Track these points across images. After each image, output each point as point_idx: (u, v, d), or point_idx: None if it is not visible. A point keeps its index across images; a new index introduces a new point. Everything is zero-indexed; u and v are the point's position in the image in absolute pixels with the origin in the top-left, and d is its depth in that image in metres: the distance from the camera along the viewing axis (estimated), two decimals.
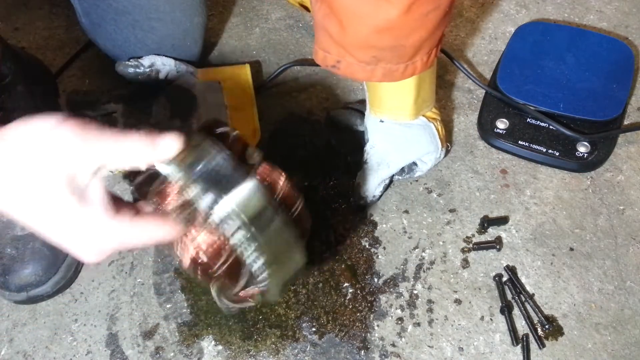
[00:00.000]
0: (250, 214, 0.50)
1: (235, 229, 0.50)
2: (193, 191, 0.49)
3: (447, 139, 0.87)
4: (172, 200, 0.51)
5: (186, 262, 0.53)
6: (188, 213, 0.50)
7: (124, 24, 0.87)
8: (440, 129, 0.83)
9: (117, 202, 0.49)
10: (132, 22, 0.87)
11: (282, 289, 0.58)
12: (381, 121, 0.81)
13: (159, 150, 0.48)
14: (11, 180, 0.44)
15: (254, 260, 0.52)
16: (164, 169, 0.49)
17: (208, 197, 0.49)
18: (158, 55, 0.91)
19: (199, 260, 0.52)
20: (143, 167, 0.49)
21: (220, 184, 0.49)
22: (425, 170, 0.85)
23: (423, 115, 0.81)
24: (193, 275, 0.54)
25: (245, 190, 0.50)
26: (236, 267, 0.53)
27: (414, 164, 0.85)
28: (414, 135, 0.81)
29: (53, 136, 0.44)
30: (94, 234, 0.47)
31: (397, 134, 0.81)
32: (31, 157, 0.44)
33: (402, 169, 0.85)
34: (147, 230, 0.49)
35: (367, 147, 0.83)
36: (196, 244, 0.51)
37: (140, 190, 0.54)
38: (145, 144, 0.47)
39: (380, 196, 0.85)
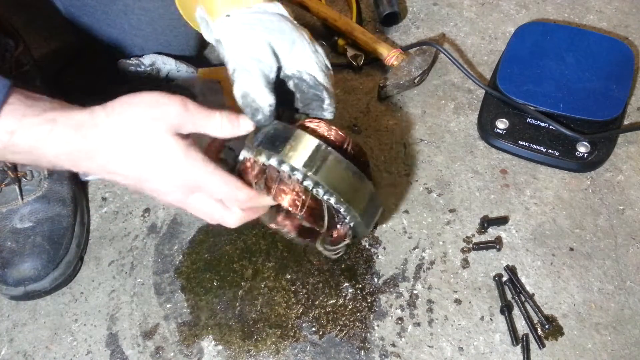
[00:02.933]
0: (306, 159, 0.59)
1: (302, 176, 0.59)
2: (261, 159, 0.61)
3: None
4: (250, 172, 0.62)
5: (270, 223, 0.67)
6: (265, 177, 0.61)
7: (116, 14, 0.87)
8: (299, 24, 0.69)
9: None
10: (122, 8, 0.86)
11: (366, 221, 0.65)
12: (228, 16, 0.65)
13: (240, 128, 0.61)
14: (125, 139, 0.54)
15: (326, 196, 0.60)
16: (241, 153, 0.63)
17: (273, 159, 0.60)
18: (159, 54, 0.91)
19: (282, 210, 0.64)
20: (225, 137, 0.61)
21: (277, 145, 0.60)
22: (309, 71, 0.66)
23: (279, 3, 0.68)
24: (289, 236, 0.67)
25: (294, 141, 0.60)
26: (316, 208, 0.62)
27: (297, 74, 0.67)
28: (271, 20, 0.65)
29: (162, 106, 0.55)
30: (195, 174, 0.57)
31: (256, 24, 0.64)
32: (142, 120, 0.54)
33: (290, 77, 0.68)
34: (235, 185, 0.59)
35: (229, 54, 0.64)
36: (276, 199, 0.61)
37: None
38: (229, 122, 0.60)
39: (278, 113, 0.67)
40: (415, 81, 0.98)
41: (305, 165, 0.59)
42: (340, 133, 0.66)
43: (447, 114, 0.96)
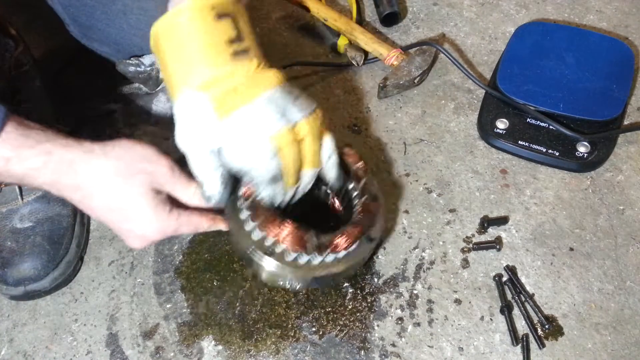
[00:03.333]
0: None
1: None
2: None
3: None
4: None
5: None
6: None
7: (115, 14, 0.87)
8: None
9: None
10: (122, 8, 0.86)
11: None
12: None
13: (204, 202, 0.65)
14: (110, 182, 0.59)
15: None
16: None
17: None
18: None
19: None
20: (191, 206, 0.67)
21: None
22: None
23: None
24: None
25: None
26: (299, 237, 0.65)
27: None
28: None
29: (153, 163, 0.61)
30: (160, 222, 0.62)
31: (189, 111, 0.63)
32: (131, 169, 0.59)
33: None
34: (196, 223, 0.66)
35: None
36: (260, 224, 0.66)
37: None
38: (200, 195, 0.65)
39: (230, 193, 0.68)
40: (415, 81, 0.98)
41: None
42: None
43: (447, 114, 0.96)
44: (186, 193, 0.64)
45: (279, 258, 0.66)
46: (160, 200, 0.62)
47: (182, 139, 0.62)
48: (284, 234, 0.64)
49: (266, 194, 0.65)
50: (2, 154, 0.54)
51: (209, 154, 0.62)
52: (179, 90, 0.61)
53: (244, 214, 0.67)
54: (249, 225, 0.67)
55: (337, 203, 0.77)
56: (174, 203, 0.65)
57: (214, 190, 0.64)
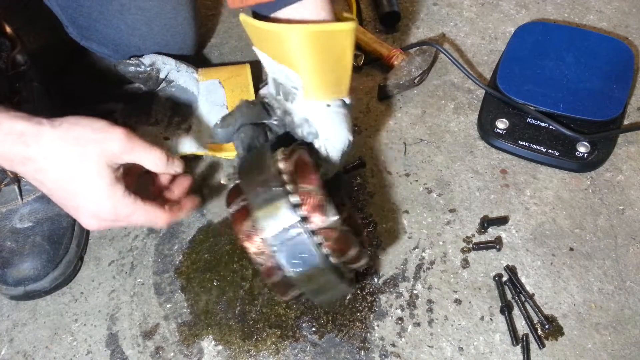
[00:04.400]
0: (275, 232, 0.57)
1: (266, 238, 0.58)
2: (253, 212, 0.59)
3: None
4: (234, 204, 0.62)
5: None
6: (240, 206, 0.61)
7: (112, 14, 0.87)
8: None
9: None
10: (119, 8, 0.86)
11: (318, 299, 0.64)
12: (328, 105, 0.69)
13: (170, 166, 0.65)
14: (61, 155, 0.58)
15: (280, 263, 0.58)
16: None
17: (254, 201, 0.58)
18: (159, 54, 0.91)
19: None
20: (157, 172, 0.66)
21: (261, 202, 0.58)
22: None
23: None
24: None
25: (277, 210, 0.57)
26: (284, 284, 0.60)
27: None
28: (348, 114, 0.71)
29: (106, 133, 0.59)
30: (112, 204, 0.61)
31: (343, 117, 0.70)
32: (83, 142, 0.58)
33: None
34: (149, 213, 0.64)
35: (321, 141, 0.69)
36: (241, 230, 0.60)
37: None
38: (165, 160, 0.64)
39: None
40: (415, 81, 0.98)
41: (272, 235, 0.58)
42: (341, 235, 0.60)
43: (447, 114, 0.96)
44: (150, 157, 0.63)
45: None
46: (114, 177, 0.61)
47: (323, 135, 0.68)
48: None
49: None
50: None
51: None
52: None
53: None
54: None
55: None
56: (133, 189, 0.64)
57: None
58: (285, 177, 0.58)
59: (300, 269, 0.58)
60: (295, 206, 0.57)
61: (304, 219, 0.57)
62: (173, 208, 0.68)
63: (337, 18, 0.68)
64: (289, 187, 0.57)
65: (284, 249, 0.57)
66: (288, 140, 0.68)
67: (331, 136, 0.69)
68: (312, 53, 0.63)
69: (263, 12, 0.67)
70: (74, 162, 0.58)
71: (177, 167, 0.67)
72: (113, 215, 0.62)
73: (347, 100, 0.71)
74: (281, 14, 0.66)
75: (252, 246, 0.59)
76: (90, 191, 0.60)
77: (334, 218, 0.57)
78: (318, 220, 0.57)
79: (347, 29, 0.63)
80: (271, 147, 0.63)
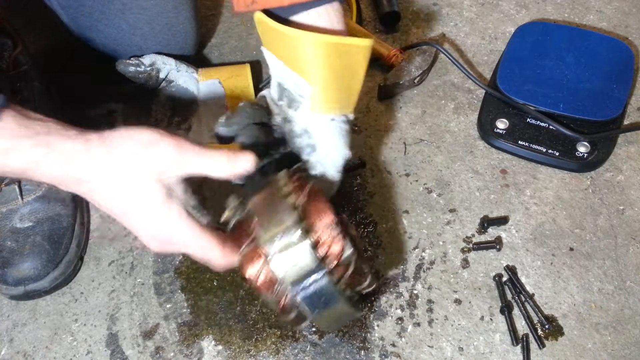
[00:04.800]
0: (295, 277, 0.56)
1: (285, 284, 0.56)
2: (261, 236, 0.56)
3: None
4: (245, 233, 0.58)
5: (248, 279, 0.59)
6: (251, 249, 0.58)
7: (114, 13, 0.87)
8: None
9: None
10: (120, 7, 0.86)
11: (327, 327, 0.64)
12: (332, 119, 0.68)
13: (238, 165, 0.57)
14: (111, 174, 0.54)
15: (300, 306, 0.57)
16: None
17: (270, 248, 0.56)
18: (159, 54, 0.91)
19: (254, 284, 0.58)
20: (222, 177, 0.58)
21: (276, 235, 0.55)
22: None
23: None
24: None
25: (296, 255, 0.55)
26: (287, 305, 0.58)
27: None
28: (349, 130, 0.71)
29: (154, 147, 0.54)
30: (169, 228, 0.56)
31: (345, 133, 0.69)
32: (131, 158, 0.54)
33: None
34: (205, 247, 0.58)
35: (319, 156, 0.69)
36: (253, 275, 0.57)
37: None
38: (227, 160, 0.56)
39: None
40: (415, 81, 0.98)
41: (293, 284, 0.56)
42: (352, 263, 0.58)
43: (447, 114, 0.96)
44: (209, 164, 0.56)
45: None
46: (166, 195, 0.55)
47: (323, 152, 0.68)
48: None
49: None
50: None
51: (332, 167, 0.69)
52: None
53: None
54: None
55: None
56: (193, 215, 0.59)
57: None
58: (299, 212, 0.56)
59: (321, 310, 0.57)
60: (314, 247, 0.56)
61: (323, 259, 0.56)
62: (234, 249, 0.60)
63: (350, 32, 0.67)
64: (304, 226, 0.56)
65: (304, 294, 0.57)
66: (288, 156, 0.67)
67: (331, 152, 0.68)
68: (327, 64, 0.62)
69: (277, 12, 0.65)
70: (124, 181, 0.55)
71: (244, 164, 0.57)
72: (167, 239, 0.58)
73: (351, 116, 0.70)
74: (295, 18, 0.64)
75: (269, 293, 0.58)
76: (143, 212, 0.56)
77: (349, 252, 0.57)
78: (335, 259, 0.57)
79: (365, 45, 0.63)
80: (272, 165, 0.62)
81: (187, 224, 0.57)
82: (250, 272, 0.57)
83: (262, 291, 0.58)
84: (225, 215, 0.60)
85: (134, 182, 0.54)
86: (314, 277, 0.56)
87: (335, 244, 0.57)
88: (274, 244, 0.55)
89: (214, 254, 0.59)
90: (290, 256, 0.55)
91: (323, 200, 0.59)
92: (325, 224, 0.57)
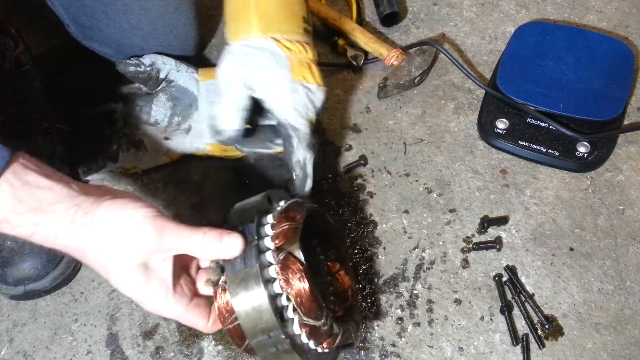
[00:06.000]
0: (257, 333, 0.56)
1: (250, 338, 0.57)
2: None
3: (323, 81, 0.76)
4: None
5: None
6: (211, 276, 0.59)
7: (116, 14, 0.87)
8: (299, 64, 0.73)
9: (181, 278, 0.60)
10: (122, 8, 0.86)
11: None
12: (227, 45, 0.73)
13: (222, 250, 0.57)
14: (93, 257, 0.55)
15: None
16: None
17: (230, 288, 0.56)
18: (159, 54, 0.91)
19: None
20: (208, 259, 0.59)
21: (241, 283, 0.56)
22: (279, 108, 0.72)
23: (276, 42, 0.72)
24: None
25: (260, 315, 0.55)
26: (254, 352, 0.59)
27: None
28: (255, 55, 0.71)
29: (135, 232, 0.54)
30: (155, 305, 0.58)
31: (240, 56, 0.72)
32: (112, 245, 0.54)
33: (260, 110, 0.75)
34: (192, 319, 0.60)
35: (216, 72, 0.74)
36: (223, 323, 0.58)
37: None
38: (212, 243, 0.56)
39: (246, 135, 0.75)
40: (415, 81, 0.98)
41: (251, 336, 0.56)
42: (306, 300, 0.57)
43: (447, 114, 0.96)
44: (193, 245, 0.57)
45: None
46: (147, 278, 0.56)
47: (216, 76, 0.70)
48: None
49: (300, 157, 0.70)
50: None
51: (241, 84, 0.69)
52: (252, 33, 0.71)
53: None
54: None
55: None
56: (183, 287, 0.60)
57: (229, 124, 0.70)
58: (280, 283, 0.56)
59: None
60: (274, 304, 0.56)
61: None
62: (218, 316, 0.60)
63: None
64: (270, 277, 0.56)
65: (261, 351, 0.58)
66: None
67: (221, 69, 0.72)
68: None
69: None
70: (106, 262, 0.55)
71: (230, 247, 0.57)
72: (157, 313, 0.59)
73: (259, 47, 0.72)
74: None
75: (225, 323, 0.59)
76: (128, 291, 0.57)
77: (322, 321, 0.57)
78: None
79: None
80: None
81: (171, 302, 0.58)
82: (224, 320, 0.58)
83: (233, 339, 0.59)
84: (205, 283, 0.60)
85: (114, 265, 0.55)
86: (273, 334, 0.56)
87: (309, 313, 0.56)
88: (243, 306, 0.56)
89: (200, 325, 0.61)
90: (255, 316, 0.56)
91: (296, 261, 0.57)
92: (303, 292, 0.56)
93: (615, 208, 0.85)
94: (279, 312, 0.56)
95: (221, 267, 0.58)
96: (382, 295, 0.78)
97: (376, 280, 0.79)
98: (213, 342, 0.75)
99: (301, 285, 0.56)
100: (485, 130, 0.92)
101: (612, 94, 0.90)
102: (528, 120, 0.91)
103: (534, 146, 0.89)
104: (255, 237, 0.57)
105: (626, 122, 0.94)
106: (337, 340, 0.60)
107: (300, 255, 0.57)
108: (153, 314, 0.61)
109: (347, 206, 0.86)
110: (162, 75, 0.90)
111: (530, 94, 0.91)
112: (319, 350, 0.60)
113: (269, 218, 0.59)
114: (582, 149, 0.88)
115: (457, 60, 0.97)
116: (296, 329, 0.57)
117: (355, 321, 0.66)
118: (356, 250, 0.81)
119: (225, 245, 0.56)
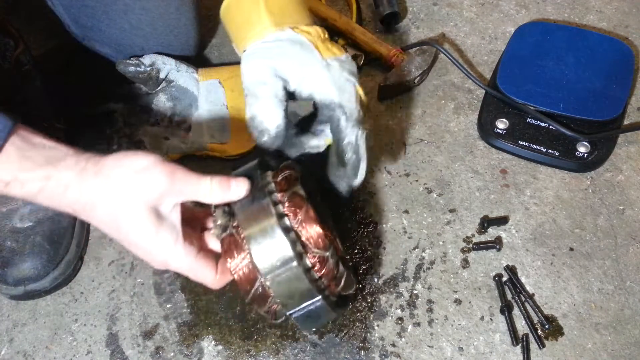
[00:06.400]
0: (272, 266, 0.56)
1: (264, 273, 0.57)
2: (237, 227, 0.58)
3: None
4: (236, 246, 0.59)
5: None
6: (217, 220, 0.59)
7: (116, 14, 0.87)
8: (322, 43, 0.69)
9: (189, 232, 0.60)
10: (123, 8, 0.86)
11: (302, 321, 0.62)
12: (244, 51, 0.70)
13: (230, 193, 0.58)
14: (104, 204, 0.55)
15: (275, 300, 0.59)
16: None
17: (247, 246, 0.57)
18: (159, 54, 0.91)
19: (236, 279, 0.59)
20: (215, 203, 0.59)
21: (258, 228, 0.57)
22: (320, 89, 0.67)
23: (293, 30, 0.68)
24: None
25: (274, 246, 0.56)
26: (264, 297, 0.59)
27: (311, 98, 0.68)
28: (278, 46, 0.67)
29: (146, 174, 0.55)
30: (164, 254, 0.58)
31: (262, 52, 0.68)
32: (123, 187, 0.55)
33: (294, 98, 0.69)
34: (201, 271, 0.60)
35: (243, 84, 0.69)
36: (234, 268, 0.59)
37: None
38: (220, 187, 0.58)
39: (293, 133, 0.70)
40: (415, 81, 0.98)
41: (266, 270, 0.57)
42: (322, 241, 0.59)
43: (447, 114, 0.96)
44: (201, 190, 0.58)
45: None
46: (158, 222, 0.56)
47: (244, 82, 0.67)
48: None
49: (352, 137, 0.66)
50: (1, 177, 0.53)
51: (273, 76, 0.65)
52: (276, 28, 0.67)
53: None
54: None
55: None
56: (192, 239, 0.60)
57: (271, 122, 0.64)
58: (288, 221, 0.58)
59: (311, 326, 0.61)
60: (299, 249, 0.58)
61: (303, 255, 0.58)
62: (225, 270, 0.62)
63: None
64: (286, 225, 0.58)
65: (298, 314, 0.59)
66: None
67: (246, 73, 0.68)
68: None
69: None
70: (117, 210, 0.55)
71: (237, 190, 0.59)
72: (163, 263, 0.59)
73: (278, 38, 0.68)
74: None
75: (248, 288, 0.59)
76: (137, 239, 0.57)
77: (332, 257, 0.59)
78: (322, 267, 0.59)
79: None
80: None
81: (181, 251, 0.58)
82: (232, 264, 0.58)
83: (241, 286, 0.59)
84: (213, 232, 0.61)
85: (126, 210, 0.55)
86: (308, 302, 0.59)
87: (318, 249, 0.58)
88: (257, 240, 0.57)
89: (209, 277, 0.61)
90: (269, 248, 0.57)
91: (301, 197, 0.59)
92: (314, 232, 0.58)
93: (615, 208, 0.85)
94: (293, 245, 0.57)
95: (229, 212, 0.59)
96: (382, 295, 0.78)
97: (376, 280, 0.79)
98: (213, 342, 0.75)
99: (308, 217, 0.58)
100: (485, 130, 0.92)
101: (612, 94, 0.90)
102: (528, 120, 0.91)
103: (534, 146, 0.89)
104: (260, 179, 0.59)
105: (626, 122, 0.94)
106: (341, 284, 0.61)
107: (303, 193, 0.59)
108: (161, 270, 0.62)
109: (347, 206, 0.86)
110: (162, 75, 0.90)
111: (530, 94, 0.91)
112: (326, 293, 0.61)
113: (269, 172, 0.62)
114: (582, 149, 0.88)
115: (457, 60, 0.97)
116: (307, 263, 0.58)
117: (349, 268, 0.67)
118: (356, 250, 0.81)
119: (233, 187, 0.58)
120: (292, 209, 0.58)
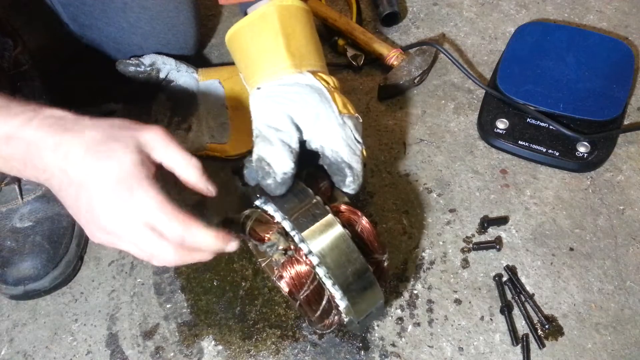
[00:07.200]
0: (331, 255, 0.58)
1: (317, 263, 0.59)
2: (287, 227, 0.60)
3: (356, 111, 0.71)
4: (269, 230, 0.60)
5: (283, 288, 0.61)
6: (278, 245, 0.60)
7: (115, 12, 0.87)
8: (338, 96, 0.69)
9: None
10: (121, 6, 0.86)
11: (362, 325, 0.65)
12: (258, 88, 0.68)
13: (202, 180, 0.59)
14: (88, 140, 0.52)
15: (336, 293, 0.60)
16: (269, 209, 0.62)
17: (298, 235, 0.59)
18: (159, 53, 0.91)
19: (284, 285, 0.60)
20: (185, 180, 0.58)
21: (304, 222, 0.59)
22: (332, 146, 0.66)
23: (313, 75, 0.68)
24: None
25: (329, 234, 0.59)
26: (318, 294, 0.61)
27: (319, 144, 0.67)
28: (297, 92, 0.66)
29: (144, 124, 0.54)
30: (140, 206, 0.51)
31: (280, 97, 0.66)
32: (117, 129, 0.53)
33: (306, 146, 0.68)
34: (196, 233, 0.54)
35: (254, 124, 0.67)
36: (284, 273, 0.60)
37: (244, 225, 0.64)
38: (198, 169, 0.58)
39: (304, 173, 0.68)
40: (415, 81, 0.98)
41: (328, 260, 0.58)
42: (376, 239, 0.63)
43: (447, 114, 0.96)
44: (182, 161, 0.55)
45: None
46: (147, 172, 0.52)
47: (254, 122, 0.66)
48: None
49: (354, 192, 0.67)
50: None
51: (289, 123, 0.65)
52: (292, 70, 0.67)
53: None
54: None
55: None
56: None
57: (279, 167, 0.62)
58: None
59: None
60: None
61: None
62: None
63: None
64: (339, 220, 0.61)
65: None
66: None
67: (259, 116, 0.67)
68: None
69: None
70: (102, 151, 0.51)
71: (211, 187, 0.59)
72: (141, 211, 0.51)
73: (294, 81, 0.67)
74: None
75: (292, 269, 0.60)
76: (116, 183, 0.51)
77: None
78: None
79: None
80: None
81: (171, 204, 0.52)
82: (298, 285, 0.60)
83: (307, 306, 0.61)
84: (274, 257, 0.60)
85: (113, 153, 0.51)
86: (373, 307, 0.63)
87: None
88: (327, 256, 0.58)
89: (206, 238, 0.54)
90: (342, 261, 0.59)
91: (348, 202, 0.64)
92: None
93: (615, 208, 0.85)
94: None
95: (281, 233, 0.60)
96: None
97: None
98: (213, 342, 0.75)
99: (366, 223, 0.60)
100: (485, 130, 0.92)
101: (612, 94, 0.90)
102: (528, 120, 0.91)
103: (534, 146, 0.89)
104: (309, 197, 0.61)
105: (626, 122, 0.94)
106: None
107: (348, 200, 0.64)
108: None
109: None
110: (162, 75, 0.90)
111: (530, 94, 0.91)
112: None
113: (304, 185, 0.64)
114: (582, 149, 0.88)
115: (457, 60, 0.97)
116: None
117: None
118: None
119: (206, 182, 0.59)
120: (350, 217, 0.61)
